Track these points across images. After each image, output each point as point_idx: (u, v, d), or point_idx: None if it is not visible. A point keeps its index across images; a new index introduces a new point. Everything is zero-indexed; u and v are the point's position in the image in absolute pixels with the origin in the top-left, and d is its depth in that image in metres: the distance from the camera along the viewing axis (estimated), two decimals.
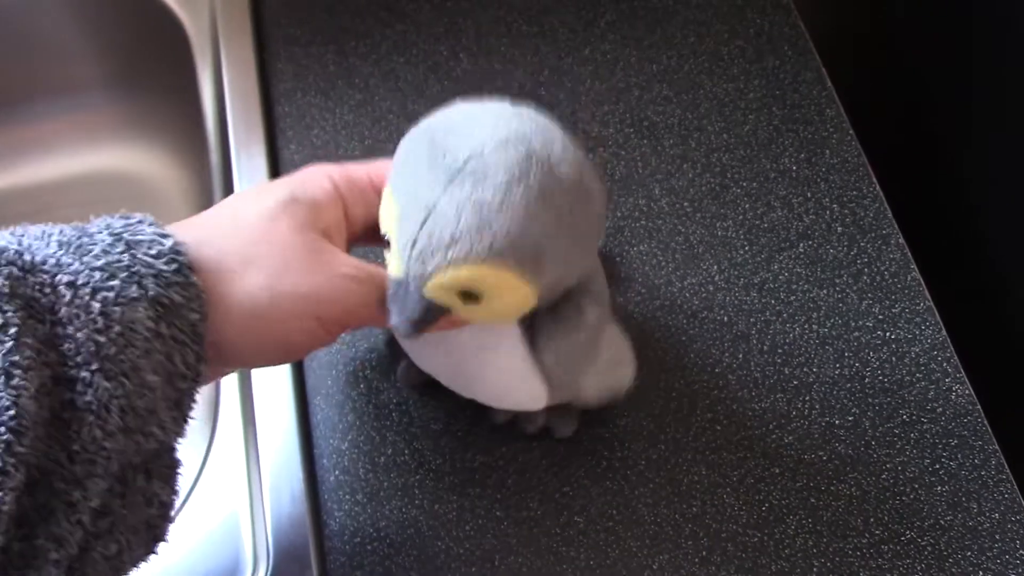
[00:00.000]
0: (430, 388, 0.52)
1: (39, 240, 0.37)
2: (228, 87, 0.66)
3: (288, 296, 0.41)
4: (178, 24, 0.71)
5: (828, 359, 0.56)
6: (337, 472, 0.53)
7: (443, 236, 0.37)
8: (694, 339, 0.57)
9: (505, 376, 0.46)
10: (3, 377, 0.33)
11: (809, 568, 0.50)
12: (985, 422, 0.54)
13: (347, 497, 0.52)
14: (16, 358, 0.33)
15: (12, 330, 0.34)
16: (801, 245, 0.60)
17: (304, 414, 0.54)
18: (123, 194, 0.81)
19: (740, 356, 0.56)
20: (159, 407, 0.38)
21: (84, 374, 0.35)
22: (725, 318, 0.57)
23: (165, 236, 0.39)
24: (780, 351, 0.56)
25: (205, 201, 0.70)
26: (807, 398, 0.55)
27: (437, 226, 0.37)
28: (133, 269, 0.37)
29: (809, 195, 0.62)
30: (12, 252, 0.36)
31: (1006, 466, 0.53)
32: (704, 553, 0.51)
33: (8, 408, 0.33)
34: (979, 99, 0.65)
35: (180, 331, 0.38)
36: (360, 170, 0.45)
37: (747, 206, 0.61)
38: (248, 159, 0.63)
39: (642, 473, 0.53)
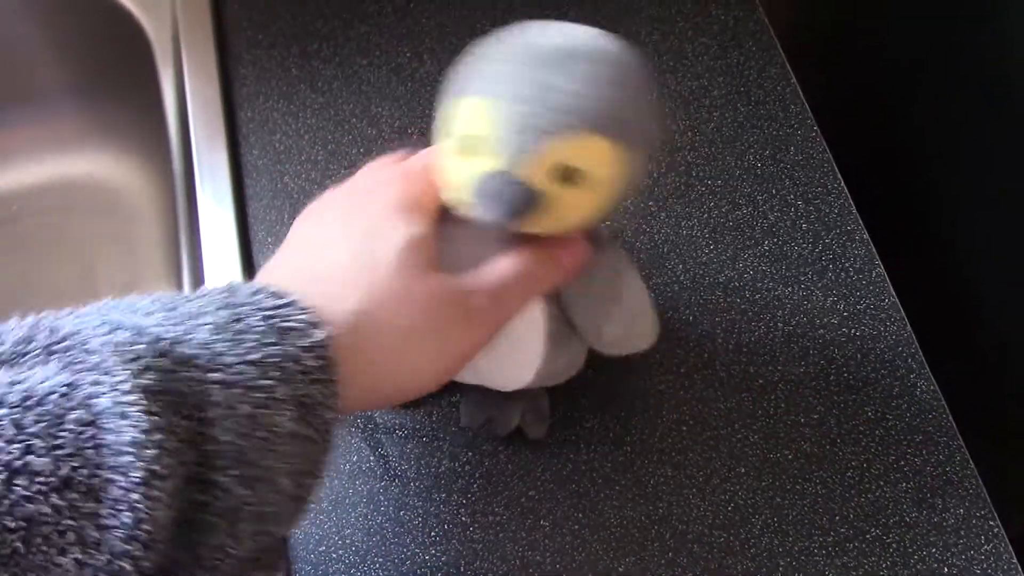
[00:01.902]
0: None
1: (192, 321, 0.35)
2: (190, 92, 0.65)
3: (442, 357, 0.41)
4: (139, 29, 0.70)
5: (793, 357, 0.56)
6: None
7: (554, 106, 0.38)
8: (659, 339, 0.56)
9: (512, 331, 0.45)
10: (144, 488, 0.31)
11: (775, 568, 0.50)
12: (950, 418, 0.54)
13: (312, 505, 0.52)
14: (157, 467, 0.32)
15: (157, 435, 0.32)
16: (766, 243, 0.60)
17: None
18: (88, 200, 0.81)
19: (705, 356, 0.56)
20: (284, 509, 0.37)
21: (223, 479, 0.34)
22: (691, 317, 0.57)
23: (316, 327, 0.37)
24: (745, 350, 0.56)
25: (169, 206, 0.69)
26: (772, 397, 0.55)
27: (545, 98, 0.38)
28: (283, 365, 0.36)
29: (774, 192, 0.62)
30: (167, 343, 0.34)
31: (971, 462, 0.53)
32: (670, 555, 0.51)
33: (143, 521, 0.31)
34: (943, 94, 0.65)
35: (315, 431, 0.37)
36: (421, 163, 0.44)
37: (712, 204, 0.61)
38: (210, 164, 0.63)
39: (608, 475, 0.53)
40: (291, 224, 0.60)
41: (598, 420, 0.54)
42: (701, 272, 0.59)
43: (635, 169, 0.41)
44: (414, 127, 0.64)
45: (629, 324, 0.47)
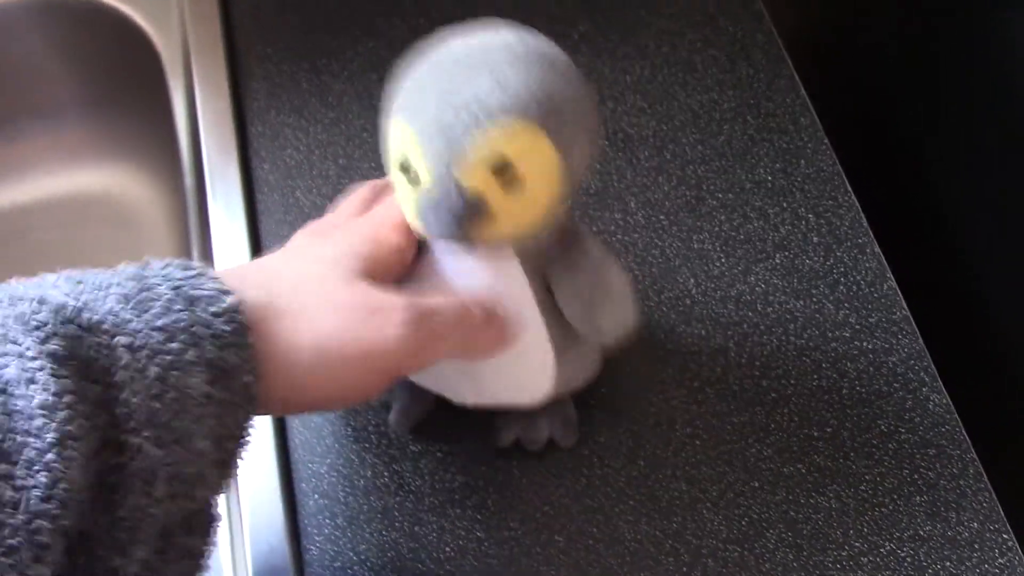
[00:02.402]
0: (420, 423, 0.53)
1: (99, 292, 0.36)
2: (201, 107, 0.66)
3: (343, 356, 0.40)
4: (151, 45, 0.70)
5: (806, 371, 0.56)
6: (316, 496, 0.53)
7: (468, 108, 0.37)
8: (672, 354, 0.57)
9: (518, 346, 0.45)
10: (57, 448, 0.32)
11: None
12: (963, 431, 0.54)
13: (327, 521, 0.52)
14: (70, 428, 0.32)
15: (67, 397, 0.33)
16: (777, 256, 0.60)
17: (283, 438, 0.54)
18: (100, 215, 0.81)
19: (718, 370, 0.56)
20: (206, 471, 0.37)
21: (135, 440, 0.34)
22: (702, 331, 0.57)
23: (225, 293, 0.38)
24: (758, 364, 0.56)
25: (181, 220, 0.70)
26: (785, 410, 0.55)
27: (457, 99, 0.37)
28: (192, 330, 0.36)
29: (785, 205, 0.62)
30: (71, 309, 0.35)
31: (984, 475, 0.53)
32: (684, 569, 0.51)
33: (59, 481, 0.32)
34: (953, 105, 0.65)
35: (233, 393, 0.37)
36: (397, 212, 0.45)
37: (723, 218, 0.61)
38: (222, 179, 0.63)
39: (622, 490, 0.53)
40: None
41: (611, 435, 0.54)
42: (712, 286, 0.59)
43: (572, 153, 0.39)
44: None
45: (619, 309, 0.47)
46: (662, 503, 0.52)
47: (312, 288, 0.41)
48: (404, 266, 0.45)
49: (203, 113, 0.65)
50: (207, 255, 0.62)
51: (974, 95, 0.62)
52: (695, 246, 0.60)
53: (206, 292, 0.37)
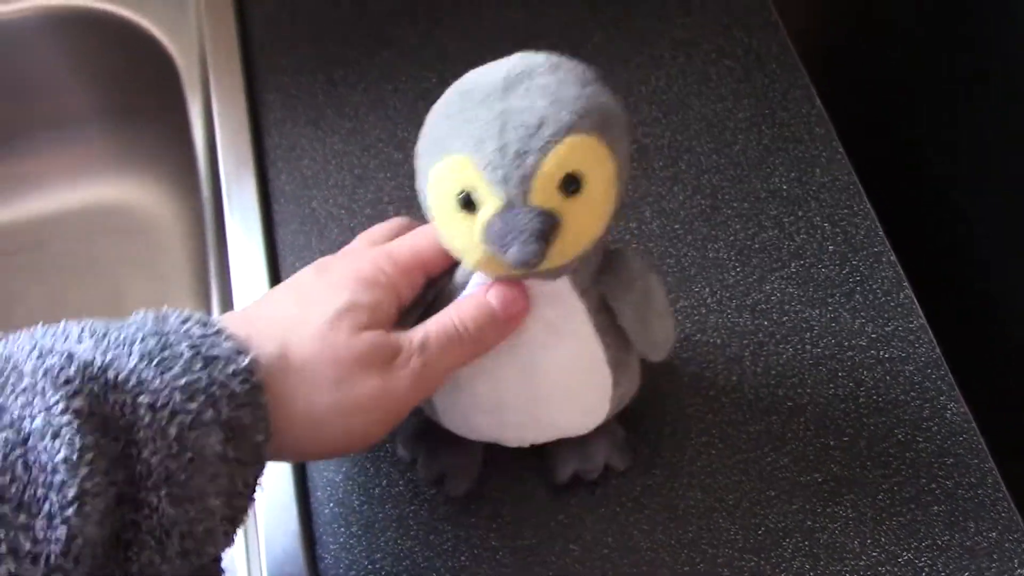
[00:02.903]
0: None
1: (122, 348, 0.37)
2: (218, 118, 0.66)
3: (350, 410, 0.42)
4: (167, 57, 0.71)
5: (822, 380, 0.56)
6: (332, 504, 0.53)
7: (528, 126, 0.38)
8: (687, 362, 0.57)
9: (573, 367, 0.45)
10: (77, 504, 0.33)
11: None
12: (981, 440, 0.54)
13: (342, 530, 0.52)
14: (89, 484, 0.33)
15: (89, 454, 0.33)
16: (793, 265, 0.60)
17: None
18: (118, 226, 0.81)
19: (734, 379, 0.56)
20: (216, 528, 0.38)
21: (152, 498, 0.35)
22: (718, 340, 0.57)
23: (241, 352, 0.39)
24: (774, 372, 0.56)
25: (197, 231, 0.70)
26: (801, 419, 0.55)
27: (518, 123, 0.38)
28: (210, 391, 0.37)
29: (800, 214, 0.62)
30: (96, 368, 0.36)
31: (1003, 484, 0.53)
32: None
33: (76, 536, 0.33)
34: (970, 114, 0.65)
35: (245, 452, 0.38)
36: (404, 252, 0.45)
37: (738, 227, 0.61)
38: (239, 189, 0.64)
39: (637, 499, 0.53)
40: (320, 249, 0.61)
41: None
42: (728, 295, 0.59)
43: (622, 161, 0.40)
44: None
45: (666, 322, 0.48)
46: (678, 512, 0.52)
47: (321, 345, 0.42)
48: (413, 290, 0.45)
49: (220, 124, 0.66)
50: (223, 266, 0.62)
51: (990, 104, 0.62)
52: (710, 255, 0.60)
53: (223, 352, 0.38)
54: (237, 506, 0.39)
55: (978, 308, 0.65)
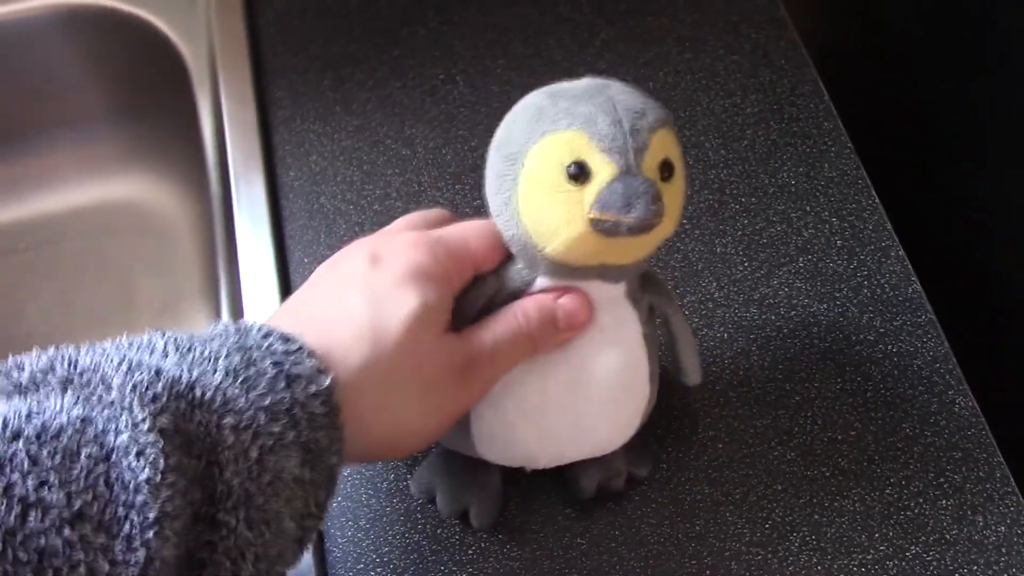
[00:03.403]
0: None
1: (207, 364, 0.37)
2: (227, 116, 0.66)
3: (431, 416, 0.43)
4: (177, 55, 0.71)
5: (829, 374, 0.56)
6: (340, 499, 0.53)
7: (636, 110, 0.41)
8: None
9: (620, 376, 0.46)
10: (157, 527, 0.33)
11: None
12: (989, 434, 0.54)
13: (350, 523, 0.52)
14: (170, 508, 0.33)
15: (171, 476, 0.33)
16: (801, 260, 0.60)
17: None
18: (127, 224, 0.82)
19: (741, 373, 0.56)
20: (287, 550, 0.38)
21: (230, 520, 0.35)
22: (725, 335, 0.57)
23: (322, 373, 0.39)
24: (781, 367, 0.56)
25: (207, 227, 0.70)
26: (809, 414, 0.55)
27: (627, 106, 0.41)
28: (293, 412, 0.37)
29: (808, 209, 0.62)
30: (184, 385, 0.35)
31: (1011, 478, 0.53)
32: (708, 572, 0.50)
33: (152, 560, 0.32)
34: (978, 109, 0.64)
35: (319, 475, 0.38)
36: (456, 240, 0.45)
37: (746, 221, 0.61)
38: (247, 186, 0.64)
39: (644, 493, 0.53)
40: (328, 244, 0.61)
41: (635, 437, 0.54)
42: (735, 289, 0.59)
43: (685, 180, 0.44)
44: (448, 148, 0.65)
45: (694, 349, 0.50)
46: (685, 506, 0.52)
47: (404, 355, 0.41)
48: (463, 283, 0.45)
49: (229, 121, 0.66)
50: (232, 261, 0.63)
51: (999, 98, 0.62)
52: (718, 250, 0.60)
53: (306, 371, 0.38)
54: (308, 527, 0.39)
55: (986, 302, 0.65)
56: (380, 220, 0.62)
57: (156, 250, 0.81)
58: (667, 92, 0.67)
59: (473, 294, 0.45)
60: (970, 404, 0.55)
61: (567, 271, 0.44)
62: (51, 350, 0.36)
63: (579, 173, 0.40)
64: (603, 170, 0.40)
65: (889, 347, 0.57)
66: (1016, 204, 0.61)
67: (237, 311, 0.61)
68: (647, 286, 0.47)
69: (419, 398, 0.42)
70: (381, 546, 0.52)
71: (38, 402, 0.34)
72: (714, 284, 0.59)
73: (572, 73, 0.66)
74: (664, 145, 0.41)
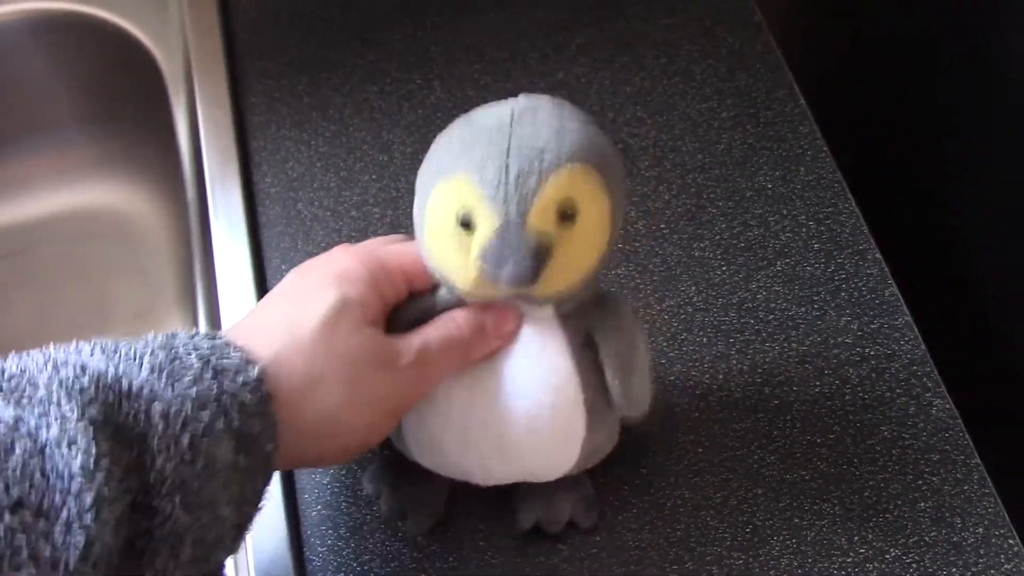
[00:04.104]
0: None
1: (132, 362, 0.37)
2: (202, 121, 0.66)
3: (358, 408, 0.43)
4: (152, 61, 0.71)
5: (808, 377, 0.56)
6: (319, 507, 0.53)
7: (533, 148, 0.39)
8: (674, 361, 0.57)
9: (543, 396, 0.45)
10: (94, 510, 0.33)
11: None
12: (967, 436, 0.54)
13: (330, 532, 0.52)
14: (106, 490, 0.34)
15: (104, 461, 0.34)
16: (778, 263, 0.60)
17: None
18: (103, 230, 0.81)
19: (720, 377, 0.56)
20: (226, 535, 0.38)
21: (166, 506, 0.36)
22: (704, 339, 0.57)
23: (250, 364, 0.39)
24: (760, 371, 0.56)
25: (183, 233, 0.70)
26: (788, 417, 0.55)
27: (522, 148, 0.39)
28: (221, 400, 0.38)
29: (785, 213, 0.62)
30: (111, 376, 0.36)
31: (989, 480, 0.53)
32: None
33: (94, 542, 0.33)
34: (954, 112, 0.65)
35: (255, 462, 0.39)
36: (386, 253, 0.45)
37: (723, 226, 0.62)
38: (224, 192, 0.63)
39: (625, 498, 0.53)
40: (305, 251, 0.61)
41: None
42: (714, 293, 0.59)
43: (618, 202, 0.42)
44: (425, 153, 0.65)
45: (645, 380, 0.48)
46: (665, 510, 0.52)
47: (323, 346, 0.42)
48: (396, 297, 0.45)
49: (204, 127, 0.66)
50: (209, 268, 0.62)
51: (974, 100, 0.62)
52: (696, 254, 0.60)
53: (232, 363, 0.39)
54: (246, 514, 0.40)
55: (963, 305, 0.65)
56: (358, 226, 0.62)
57: (132, 257, 0.80)
58: (643, 96, 0.67)
59: (407, 309, 0.46)
60: (947, 406, 0.55)
61: (484, 300, 0.44)
62: None
63: (466, 222, 0.40)
64: (484, 222, 0.40)
65: (867, 350, 0.57)
66: (992, 206, 0.62)
67: (214, 317, 0.61)
68: (590, 312, 0.45)
69: (343, 389, 0.42)
70: (361, 554, 0.51)
71: None
72: (693, 288, 0.59)
73: (548, 77, 0.67)
74: (565, 186, 0.39)
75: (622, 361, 0.45)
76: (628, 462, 0.54)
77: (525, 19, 0.71)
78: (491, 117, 0.41)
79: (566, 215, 0.40)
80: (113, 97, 0.78)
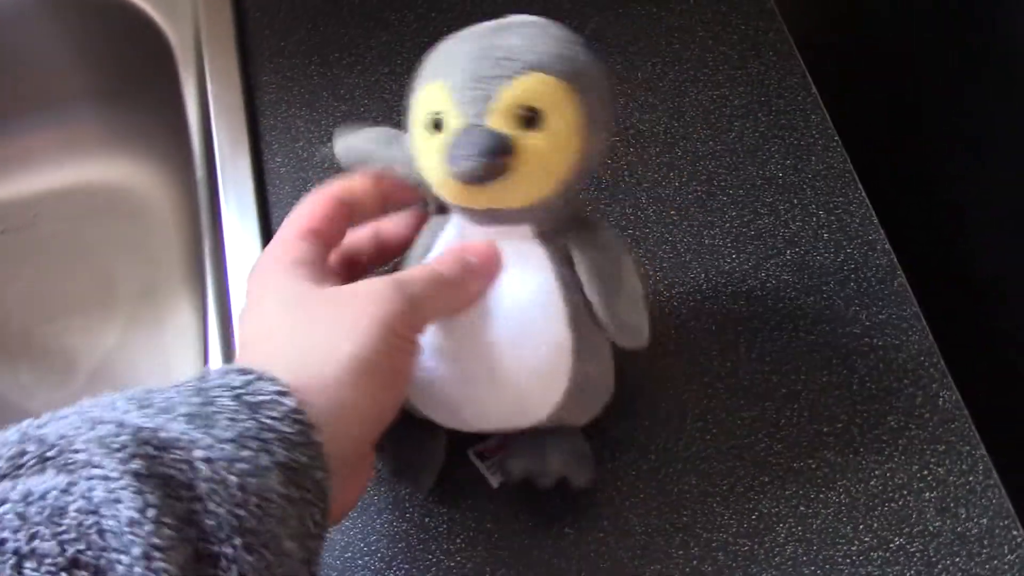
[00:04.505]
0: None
1: (166, 415, 0.37)
2: (213, 99, 0.66)
3: (370, 360, 0.41)
4: (163, 37, 0.71)
5: (816, 367, 0.56)
6: None
7: (501, 56, 0.42)
8: (682, 348, 0.57)
9: (528, 310, 0.45)
10: (144, 561, 0.33)
11: None
12: (973, 427, 0.55)
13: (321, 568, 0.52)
14: (156, 540, 0.33)
15: (151, 511, 0.33)
16: (788, 252, 0.60)
17: None
18: (111, 206, 0.81)
19: (728, 365, 0.56)
20: (296, 571, 0.38)
21: (227, 550, 0.35)
22: (713, 327, 0.58)
23: (284, 395, 0.38)
24: (768, 359, 0.57)
25: (192, 212, 0.70)
26: (795, 406, 0.55)
27: (491, 55, 0.42)
28: (261, 437, 0.37)
29: (795, 202, 0.62)
30: (147, 431, 0.36)
31: (994, 471, 0.53)
32: (695, 563, 0.51)
33: None
34: (965, 102, 0.65)
35: (308, 491, 0.38)
36: (307, 206, 0.46)
37: (734, 214, 0.62)
38: (233, 171, 0.63)
39: (632, 483, 0.53)
40: None
41: (623, 429, 0.54)
42: (723, 281, 0.59)
43: (594, 119, 0.43)
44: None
45: (635, 304, 0.48)
46: (672, 496, 0.53)
47: (284, 310, 0.42)
48: (341, 233, 0.47)
49: (215, 106, 0.66)
50: (218, 247, 0.62)
51: (986, 92, 0.62)
52: (706, 242, 0.61)
53: (265, 396, 0.38)
54: (311, 548, 0.39)
55: (971, 297, 0.65)
56: None
57: (139, 235, 0.80)
58: (655, 83, 0.67)
59: (377, 255, 0.49)
60: (954, 398, 0.55)
61: (461, 210, 0.45)
62: (14, 432, 0.36)
63: (436, 123, 0.43)
64: (451, 121, 0.42)
65: (875, 340, 0.57)
66: (1002, 199, 0.62)
67: (223, 297, 0.61)
68: (569, 231, 0.46)
69: (346, 341, 0.41)
70: (369, 535, 0.52)
71: (23, 481, 0.34)
72: (702, 276, 0.59)
73: None
74: (528, 93, 0.41)
75: (602, 277, 0.46)
76: (636, 448, 0.54)
77: (538, 2, 0.70)
78: (476, 29, 0.44)
79: (528, 121, 0.41)
80: (123, 74, 0.77)
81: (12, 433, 0.36)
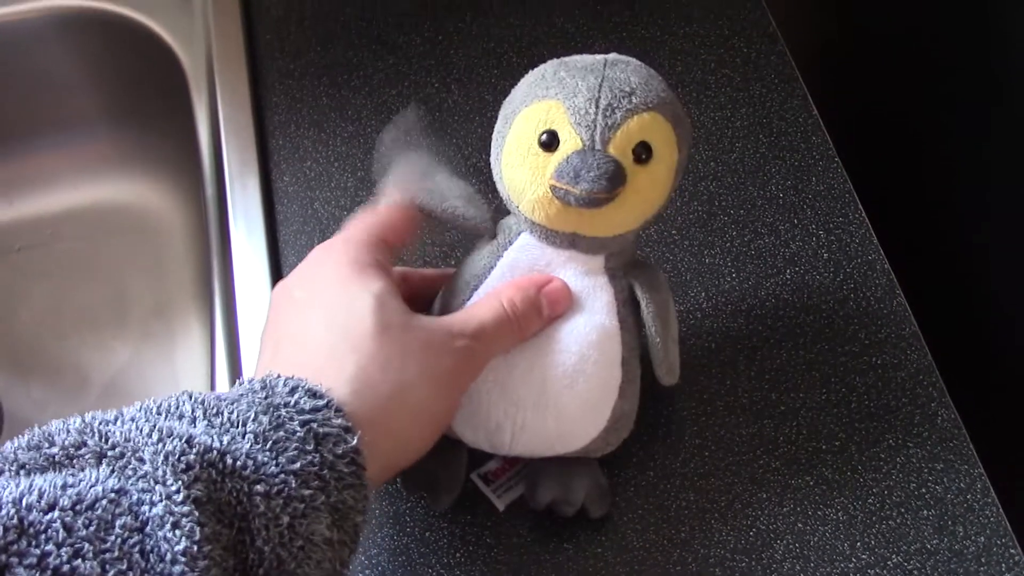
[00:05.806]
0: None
1: (236, 430, 0.37)
2: (223, 120, 0.67)
3: (438, 394, 0.43)
4: (174, 59, 0.72)
5: (815, 385, 0.57)
6: None
7: (623, 90, 0.43)
8: (682, 366, 0.57)
9: (586, 346, 0.47)
10: None
11: None
12: (971, 446, 0.55)
13: None
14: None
15: (207, 547, 0.34)
16: (788, 271, 0.61)
17: None
18: (122, 226, 0.82)
19: (728, 382, 0.57)
20: None
21: None
22: (712, 345, 0.58)
23: (348, 431, 0.39)
24: (767, 377, 0.57)
25: (201, 230, 0.71)
26: (794, 423, 0.56)
27: (615, 85, 0.43)
28: (322, 475, 0.37)
29: (796, 222, 0.63)
30: (215, 454, 0.36)
31: (991, 490, 0.53)
32: None
33: None
34: (965, 123, 0.65)
35: (347, 533, 0.39)
36: (359, 230, 0.46)
37: (734, 233, 0.62)
38: (242, 190, 0.64)
39: (631, 499, 0.53)
40: None
41: (622, 445, 0.55)
42: (723, 300, 0.60)
43: (681, 161, 0.45)
44: (442, 156, 0.66)
45: (676, 345, 0.51)
46: (670, 512, 0.53)
47: (370, 348, 0.42)
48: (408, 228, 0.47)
49: (225, 126, 0.67)
50: (226, 265, 0.63)
51: (984, 114, 0.63)
52: (706, 261, 0.61)
53: (334, 430, 0.38)
54: None
55: (970, 316, 0.66)
56: None
57: (150, 253, 0.81)
58: None
59: (425, 284, 0.50)
60: (952, 416, 0.56)
61: (542, 232, 0.46)
62: (77, 421, 0.36)
63: (549, 141, 0.43)
64: (569, 141, 0.43)
65: (873, 359, 0.57)
66: (1002, 219, 0.62)
67: (231, 315, 0.62)
68: (633, 270, 0.48)
69: (418, 387, 0.42)
70: (369, 548, 0.52)
71: (73, 474, 0.34)
72: (703, 295, 0.60)
73: None
74: (646, 128, 0.43)
75: (663, 319, 0.49)
76: (635, 464, 0.54)
77: (544, 25, 0.71)
78: (585, 59, 0.45)
79: (641, 156, 0.43)
80: (135, 95, 0.79)
81: (75, 421, 0.36)
